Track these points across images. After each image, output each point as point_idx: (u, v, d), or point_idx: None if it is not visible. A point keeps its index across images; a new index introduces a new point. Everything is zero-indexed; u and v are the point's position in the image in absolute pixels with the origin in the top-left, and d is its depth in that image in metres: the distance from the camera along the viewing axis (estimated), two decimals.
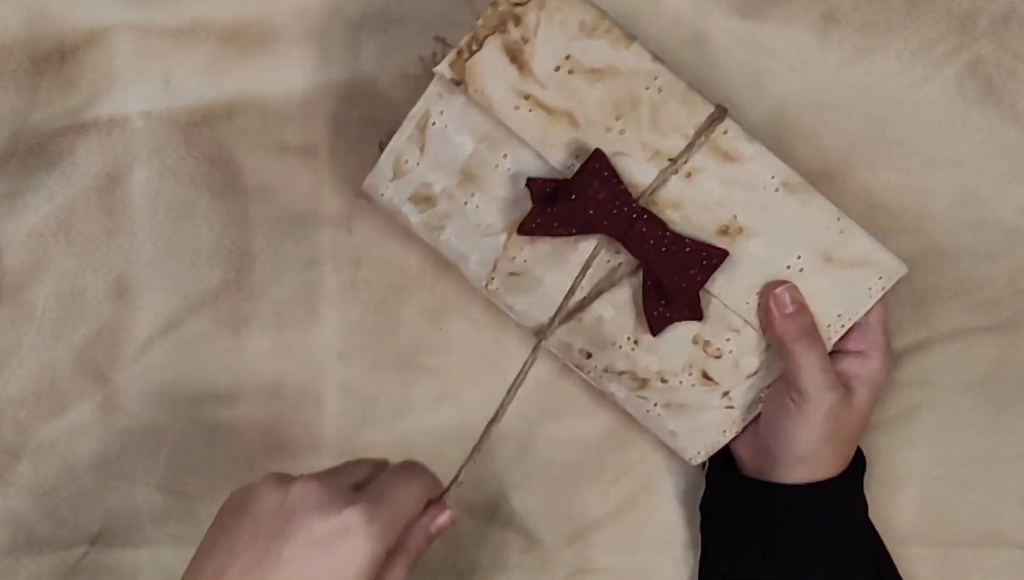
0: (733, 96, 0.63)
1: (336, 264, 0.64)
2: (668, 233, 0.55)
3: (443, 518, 0.52)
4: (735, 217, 0.56)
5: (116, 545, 0.64)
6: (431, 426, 0.65)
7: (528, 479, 0.65)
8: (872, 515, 0.61)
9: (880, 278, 0.57)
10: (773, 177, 0.56)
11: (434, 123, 0.57)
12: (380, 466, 0.53)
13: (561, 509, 0.65)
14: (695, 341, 0.58)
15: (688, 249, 0.55)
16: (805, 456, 0.56)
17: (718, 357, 0.58)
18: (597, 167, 0.54)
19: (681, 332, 0.58)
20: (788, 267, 0.57)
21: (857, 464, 0.59)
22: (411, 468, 0.52)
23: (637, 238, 0.55)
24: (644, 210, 0.55)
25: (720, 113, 0.55)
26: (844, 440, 0.57)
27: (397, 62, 0.64)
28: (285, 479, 0.50)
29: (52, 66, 0.64)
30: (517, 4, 0.55)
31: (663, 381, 0.59)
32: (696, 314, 0.57)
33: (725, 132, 0.55)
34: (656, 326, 0.57)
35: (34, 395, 0.64)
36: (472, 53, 0.55)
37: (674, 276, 0.56)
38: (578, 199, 0.55)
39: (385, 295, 0.64)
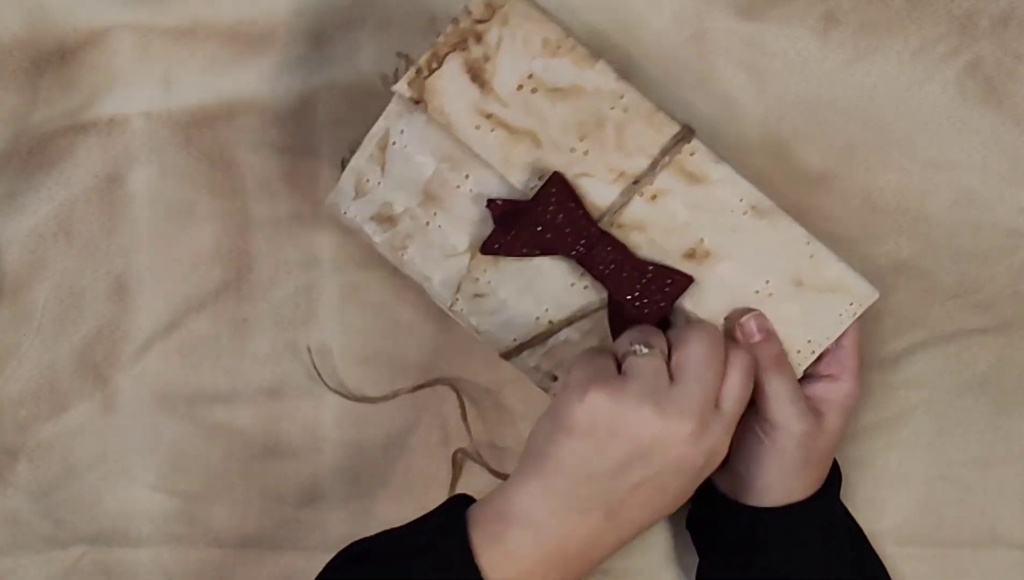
0: (733, 96, 0.63)
1: (336, 264, 0.64)
2: (629, 257, 0.54)
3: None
4: (702, 240, 0.55)
5: (115, 545, 0.64)
6: (431, 426, 0.65)
7: None
8: (871, 516, 0.61)
9: (851, 304, 0.55)
10: (741, 200, 0.55)
11: (394, 143, 0.56)
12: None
13: None
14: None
15: (650, 274, 0.54)
16: (776, 483, 0.56)
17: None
18: (554, 190, 0.53)
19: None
20: (757, 292, 0.55)
21: (831, 479, 0.58)
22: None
23: (599, 261, 0.54)
24: (604, 233, 0.54)
25: (686, 133, 0.54)
26: (816, 464, 0.56)
27: (397, 62, 0.64)
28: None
29: (52, 66, 0.64)
30: (479, 21, 0.53)
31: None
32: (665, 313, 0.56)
33: (692, 153, 0.54)
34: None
35: (34, 395, 0.64)
36: (432, 71, 0.54)
37: (635, 301, 0.55)
38: (538, 221, 0.54)
39: (385, 295, 0.64)
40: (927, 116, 0.63)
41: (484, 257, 0.56)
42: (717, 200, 0.55)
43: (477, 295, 0.58)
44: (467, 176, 0.56)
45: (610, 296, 0.55)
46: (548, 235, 0.54)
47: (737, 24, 0.63)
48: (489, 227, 0.55)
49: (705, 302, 0.56)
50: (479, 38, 0.53)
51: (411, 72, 0.54)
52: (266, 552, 0.64)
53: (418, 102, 0.54)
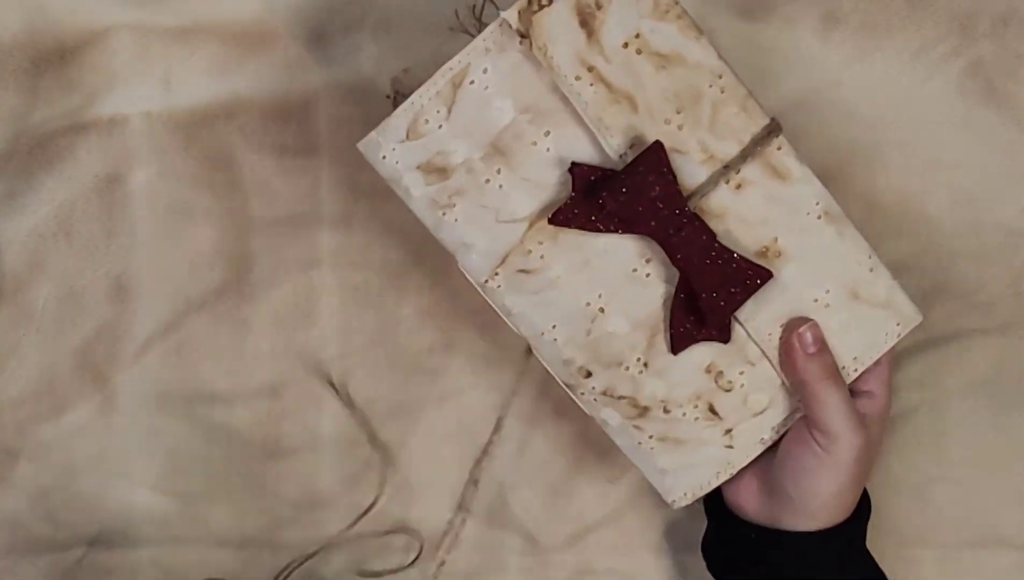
0: None
1: (336, 264, 0.64)
2: (717, 244, 0.52)
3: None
4: (776, 239, 0.53)
5: (115, 546, 0.64)
6: (430, 427, 0.65)
7: (528, 480, 0.65)
8: (872, 516, 0.61)
9: (898, 324, 0.55)
10: (817, 203, 0.53)
11: (472, 81, 0.50)
12: None
13: (560, 510, 0.65)
14: (708, 370, 0.55)
15: (735, 265, 0.52)
16: (830, 501, 0.55)
17: (728, 390, 0.55)
18: (656, 160, 0.50)
19: (696, 358, 0.54)
20: (816, 300, 0.54)
21: (863, 505, 0.57)
22: None
23: (683, 244, 0.51)
24: (695, 216, 0.51)
25: (776, 126, 0.53)
26: (864, 480, 0.56)
27: (397, 62, 0.64)
28: None
29: (52, 66, 0.64)
30: None
31: (666, 411, 0.55)
32: (724, 336, 0.54)
33: (779, 148, 0.52)
34: (679, 344, 0.53)
35: (33, 395, 0.64)
36: (542, 7, 0.49)
37: (713, 291, 0.52)
38: (629, 192, 0.50)
39: (384, 295, 0.64)
40: (927, 116, 0.63)
41: (544, 228, 0.52)
42: (795, 199, 0.53)
43: (523, 271, 0.53)
44: (548, 133, 0.51)
45: (681, 285, 0.53)
46: (639, 208, 0.50)
47: (737, 24, 0.63)
48: (558, 194, 0.51)
49: (766, 305, 0.54)
50: None
51: (523, 1, 0.49)
52: (266, 552, 0.64)
53: (524, 36, 0.49)
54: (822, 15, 0.63)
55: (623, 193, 0.50)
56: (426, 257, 0.64)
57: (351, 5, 0.64)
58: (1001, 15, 0.63)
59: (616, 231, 0.52)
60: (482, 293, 0.54)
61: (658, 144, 0.50)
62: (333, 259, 0.64)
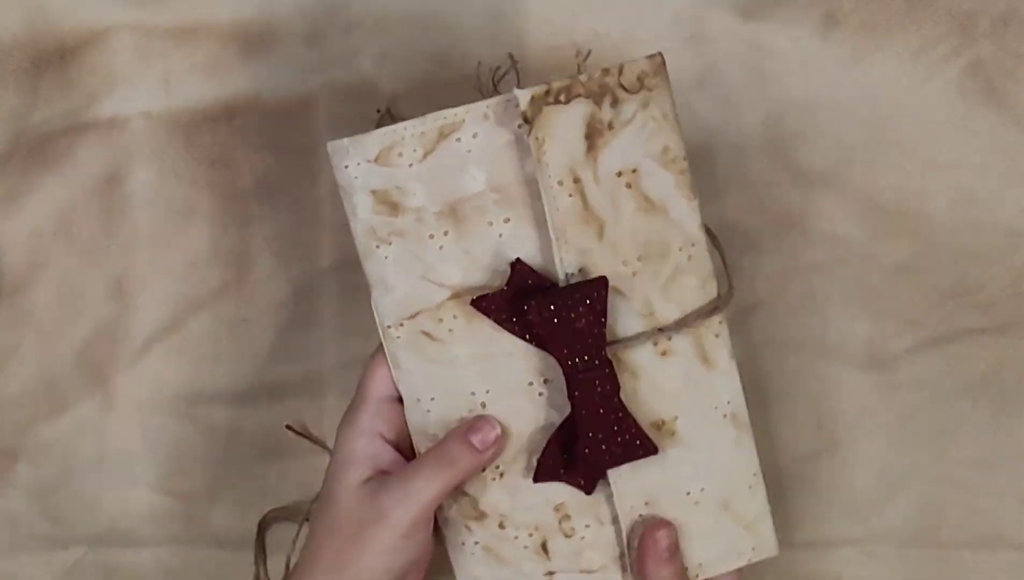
0: (733, 96, 0.63)
1: (336, 264, 0.64)
2: (617, 399, 0.50)
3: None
4: (676, 418, 0.52)
5: (115, 545, 0.64)
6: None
7: None
8: (872, 516, 0.61)
9: (753, 549, 0.53)
10: (728, 402, 0.52)
11: (459, 139, 0.49)
12: None
13: None
14: (557, 509, 0.52)
15: (626, 426, 0.50)
16: None
17: (568, 536, 0.52)
18: (595, 296, 0.49)
19: (550, 492, 0.52)
20: (688, 493, 0.52)
21: None
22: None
23: (585, 385, 0.49)
24: (609, 363, 0.50)
25: (724, 302, 0.52)
26: None
27: (397, 62, 0.64)
28: None
29: (52, 66, 0.64)
30: (623, 87, 0.49)
31: (501, 527, 0.52)
32: (588, 487, 0.52)
33: (716, 335, 0.52)
34: (543, 475, 0.51)
35: (33, 395, 0.65)
36: (556, 101, 0.49)
37: (594, 444, 0.50)
38: (556, 312, 0.49)
39: None
40: (927, 116, 0.63)
41: (463, 305, 0.50)
42: (711, 389, 0.52)
43: (427, 334, 0.51)
44: (507, 220, 0.50)
45: (567, 421, 0.51)
46: (558, 331, 0.49)
47: (737, 24, 0.63)
48: (494, 281, 0.50)
49: (641, 476, 0.52)
50: (615, 103, 0.50)
51: (540, 87, 0.49)
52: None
53: (526, 121, 0.49)
54: (822, 15, 0.63)
55: (550, 310, 0.49)
56: None
57: (351, 5, 0.64)
58: (1001, 15, 0.63)
59: (529, 341, 0.50)
60: (381, 334, 0.52)
61: (603, 280, 0.49)
62: (333, 259, 0.64)
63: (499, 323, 0.50)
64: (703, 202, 0.52)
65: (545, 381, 0.51)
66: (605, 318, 0.49)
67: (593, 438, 0.50)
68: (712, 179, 0.63)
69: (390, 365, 0.52)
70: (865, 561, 0.62)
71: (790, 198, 0.63)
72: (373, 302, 0.52)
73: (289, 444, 0.64)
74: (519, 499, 0.52)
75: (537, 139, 0.49)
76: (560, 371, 0.50)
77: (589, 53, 0.53)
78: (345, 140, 0.50)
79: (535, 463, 0.51)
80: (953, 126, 0.63)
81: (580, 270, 0.50)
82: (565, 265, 0.50)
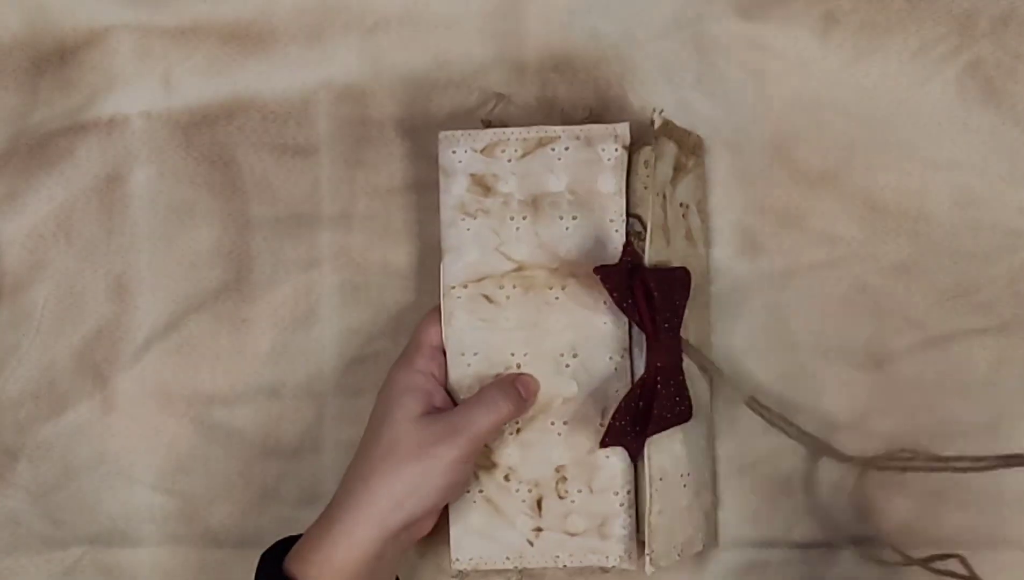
0: (733, 96, 0.63)
1: (336, 264, 0.64)
2: (681, 376, 0.57)
3: None
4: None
5: (115, 545, 0.64)
6: None
7: None
8: (872, 517, 0.61)
9: (704, 541, 0.60)
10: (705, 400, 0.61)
11: (553, 149, 0.58)
12: None
13: None
14: (557, 470, 0.58)
15: (684, 392, 0.57)
16: None
17: (561, 498, 0.58)
18: (686, 278, 0.57)
19: (554, 454, 0.58)
20: (681, 475, 0.59)
21: None
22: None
23: (670, 349, 0.56)
24: (688, 345, 0.58)
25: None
26: None
27: (397, 62, 0.64)
28: None
29: (52, 66, 0.64)
30: (688, 145, 0.60)
31: (506, 479, 0.59)
32: (637, 453, 0.57)
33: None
34: (611, 438, 0.57)
35: (33, 395, 0.65)
36: (667, 136, 0.58)
37: (668, 404, 0.56)
38: (660, 284, 0.56)
39: (384, 296, 0.64)
40: (927, 116, 0.63)
41: (525, 277, 0.58)
42: (703, 385, 0.61)
43: (486, 297, 0.59)
44: (575, 217, 0.58)
45: (632, 391, 0.56)
46: (661, 296, 0.56)
47: (737, 24, 0.63)
48: (552, 262, 0.58)
49: (663, 452, 0.58)
50: (686, 154, 0.60)
51: (660, 117, 0.57)
52: None
53: (624, 148, 0.58)
54: (822, 15, 0.63)
55: (657, 280, 0.56)
56: (426, 257, 0.64)
57: (351, 5, 0.64)
58: (1001, 15, 0.63)
59: (621, 306, 0.56)
60: (441, 296, 0.59)
61: (687, 270, 0.57)
62: (333, 259, 0.64)
63: (611, 290, 0.56)
64: (704, 202, 0.56)
65: (574, 355, 0.58)
66: (689, 295, 0.57)
67: (667, 396, 0.56)
68: (712, 179, 0.63)
69: (443, 322, 0.59)
70: (864, 561, 0.62)
71: (790, 198, 0.63)
72: (442, 266, 0.59)
73: (289, 444, 0.64)
74: (528, 453, 0.58)
75: (647, 162, 0.57)
76: (589, 348, 0.58)
77: (662, 110, 0.58)
78: (459, 132, 0.59)
79: (550, 424, 0.58)
80: (953, 126, 0.63)
81: (657, 264, 0.58)
82: (651, 255, 0.57)
